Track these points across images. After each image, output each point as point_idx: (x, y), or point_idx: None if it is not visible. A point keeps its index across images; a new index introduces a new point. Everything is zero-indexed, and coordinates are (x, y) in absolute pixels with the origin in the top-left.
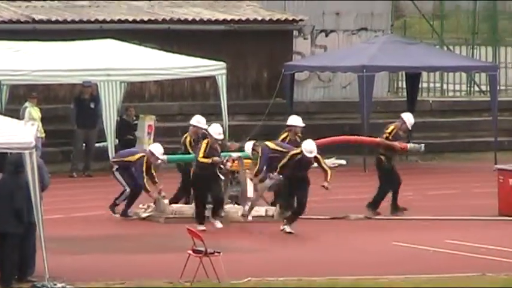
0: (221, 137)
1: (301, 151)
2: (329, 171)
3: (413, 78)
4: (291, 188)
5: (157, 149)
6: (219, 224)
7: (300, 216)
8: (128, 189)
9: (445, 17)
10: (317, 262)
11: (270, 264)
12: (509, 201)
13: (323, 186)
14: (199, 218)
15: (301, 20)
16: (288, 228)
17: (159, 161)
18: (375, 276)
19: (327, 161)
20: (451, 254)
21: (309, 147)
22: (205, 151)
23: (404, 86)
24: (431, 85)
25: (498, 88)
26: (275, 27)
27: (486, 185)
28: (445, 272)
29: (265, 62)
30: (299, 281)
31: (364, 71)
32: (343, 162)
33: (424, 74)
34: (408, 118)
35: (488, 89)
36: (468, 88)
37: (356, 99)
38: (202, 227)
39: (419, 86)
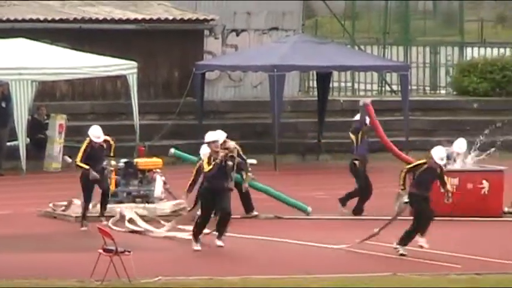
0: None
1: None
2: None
3: (324, 77)
4: None
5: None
6: (220, 243)
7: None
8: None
9: (356, 16)
10: (228, 261)
11: (181, 263)
12: None
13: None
14: (196, 236)
15: (212, 19)
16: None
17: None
18: (285, 276)
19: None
20: (364, 254)
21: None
22: (209, 162)
23: (315, 85)
24: (343, 84)
25: (409, 88)
26: (186, 27)
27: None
28: (356, 272)
29: (176, 62)
30: (209, 280)
31: (275, 70)
32: (254, 161)
33: (335, 74)
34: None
35: (400, 88)
36: (379, 88)
37: (267, 99)
38: (198, 247)
39: (330, 85)
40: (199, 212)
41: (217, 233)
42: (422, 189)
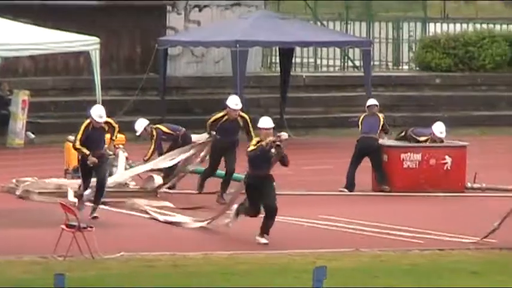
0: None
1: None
2: None
3: (286, 53)
4: None
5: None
6: (264, 240)
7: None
8: None
9: None
10: (192, 238)
11: (144, 239)
12: None
13: None
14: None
15: None
16: None
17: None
18: (249, 251)
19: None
20: (325, 229)
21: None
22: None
23: (277, 61)
24: (305, 60)
25: (372, 63)
26: (149, 3)
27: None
28: (318, 247)
29: (138, 37)
30: (172, 256)
31: (238, 46)
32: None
33: (298, 49)
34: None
35: (362, 64)
36: (342, 63)
37: (229, 74)
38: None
39: (293, 61)
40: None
41: (260, 231)
42: None
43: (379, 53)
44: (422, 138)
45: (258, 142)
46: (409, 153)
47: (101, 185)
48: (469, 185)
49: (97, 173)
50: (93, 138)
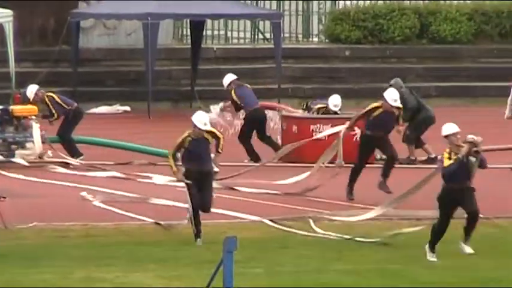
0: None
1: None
2: None
3: (197, 25)
4: None
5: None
6: (469, 249)
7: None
8: None
9: None
10: (103, 209)
11: (58, 210)
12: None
13: None
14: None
15: None
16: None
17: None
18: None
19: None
20: (238, 200)
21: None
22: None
23: (188, 33)
24: (216, 33)
25: (282, 36)
26: None
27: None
28: (226, 218)
29: (51, 10)
30: (84, 226)
31: (149, 18)
32: (128, 108)
33: (209, 22)
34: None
35: (272, 36)
36: (252, 36)
37: (141, 47)
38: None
39: (204, 33)
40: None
41: (465, 237)
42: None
43: (289, 26)
44: (316, 106)
45: (449, 153)
46: (318, 125)
47: (205, 209)
48: (378, 156)
49: (202, 193)
50: (196, 151)
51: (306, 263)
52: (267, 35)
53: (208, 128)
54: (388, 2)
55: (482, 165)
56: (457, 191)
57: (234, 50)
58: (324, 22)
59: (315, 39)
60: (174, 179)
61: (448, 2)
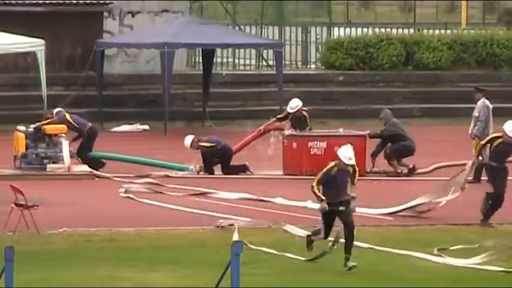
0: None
1: None
2: None
3: (208, 54)
4: None
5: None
6: None
7: None
8: None
9: (237, 0)
10: (127, 215)
11: (84, 217)
12: (292, 162)
13: None
14: None
15: (110, 2)
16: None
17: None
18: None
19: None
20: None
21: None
22: None
23: (201, 60)
24: (225, 60)
25: (283, 63)
26: (88, 9)
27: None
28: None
29: (79, 40)
30: (108, 231)
31: (166, 47)
32: (146, 127)
33: (218, 50)
34: None
35: (275, 63)
36: (257, 63)
37: (158, 72)
38: None
39: (214, 60)
40: None
41: None
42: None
43: (290, 54)
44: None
45: None
46: (315, 142)
47: (349, 230)
48: (368, 169)
49: (344, 220)
50: (338, 182)
51: (303, 264)
52: (270, 62)
53: (352, 162)
54: (377, 32)
55: None
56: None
57: (241, 75)
58: (321, 51)
59: (313, 66)
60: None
61: (430, 32)
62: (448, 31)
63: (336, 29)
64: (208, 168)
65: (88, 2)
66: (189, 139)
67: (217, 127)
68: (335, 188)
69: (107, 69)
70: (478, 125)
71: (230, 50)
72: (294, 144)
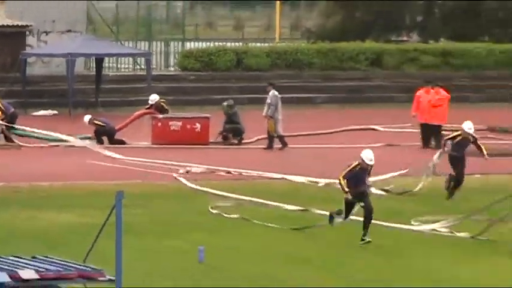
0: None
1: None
2: None
3: (99, 61)
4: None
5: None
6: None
7: None
8: None
9: (120, 22)
10: (45, 172)
11: (13, 173)
12: (158, 135)
13: None
14: None
15: (30, 25)
16: None
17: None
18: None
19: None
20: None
21: None
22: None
23: (94, 65)
24: (111, 64)
25: (151, 67)
26: (15, 30)
27: (141, 124)
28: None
29: (8, 51)
30: (31, 184)
31: (70, 56)
32: (56, 112)
33: (106, 59)
34: None
35: (146, 67)
36: (133, 66)
37: (65, 74)
38: None
39: (103, 65)
40: None
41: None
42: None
43: (156, 60)
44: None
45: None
46: (173, 122)
47: (369, 212)
48: (212, 140)
49: (364, 203)
50: (358, 177)
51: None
52: (143, 66)
53: (372, 163)
54: (216, 45)
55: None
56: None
57: (122, 75)
58: (177, 58)
59: (172, 68)
60: None
61: (254, 44)
62: (266, 44)
63: (187, 43)
64: (98, 140)
65: (15, 24)
66: (87, 117)
67: (106, 112)
68: (356, 182)
69: (29, 72)
70: (271, 108)
71: (114, 58)
72: (159, 124)
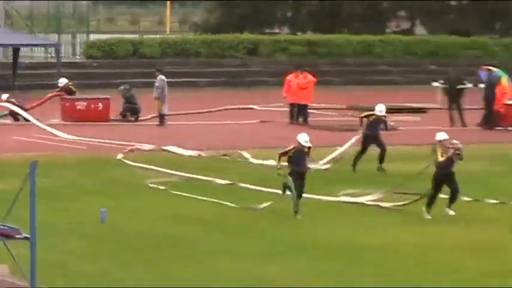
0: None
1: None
2: None
3: (16, 50)
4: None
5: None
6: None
7: None
8: None
9: (33, 17)
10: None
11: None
12: (67, 113)
13: None
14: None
15: None
16: None
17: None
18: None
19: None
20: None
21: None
22: (442, 155)
23: (11, 54)
24: (27, 54)
25: (61, 55)
26: None
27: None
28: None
29: None
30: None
31: None
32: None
33: (22, 48)
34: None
35: (55, 55)
36: (46, 55)
37: None
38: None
39: (19, 54)
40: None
41: (449, 204)
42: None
43: (65, 50)
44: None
45: (441, 153)
46: (79, 102)
47: (302, 186)
48: (112, 117)
49: (298, 183)
50: (299, 158)
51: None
52: (53, 55)
53: (308, 144)
54: (116, 36)
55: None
56: (445, 175)
57: (36, 63)
58: (83, 47)
59: (78, 57)
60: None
61: (148, 36)
62: (159, 36)
63: (91, 35)
64: (14, 119)
65: None
66: (4, 96)
67: (22, 94)
68: (295, 163)
69: None
70: (158, 90)
71: (29, 48)
72: (67, 104)
